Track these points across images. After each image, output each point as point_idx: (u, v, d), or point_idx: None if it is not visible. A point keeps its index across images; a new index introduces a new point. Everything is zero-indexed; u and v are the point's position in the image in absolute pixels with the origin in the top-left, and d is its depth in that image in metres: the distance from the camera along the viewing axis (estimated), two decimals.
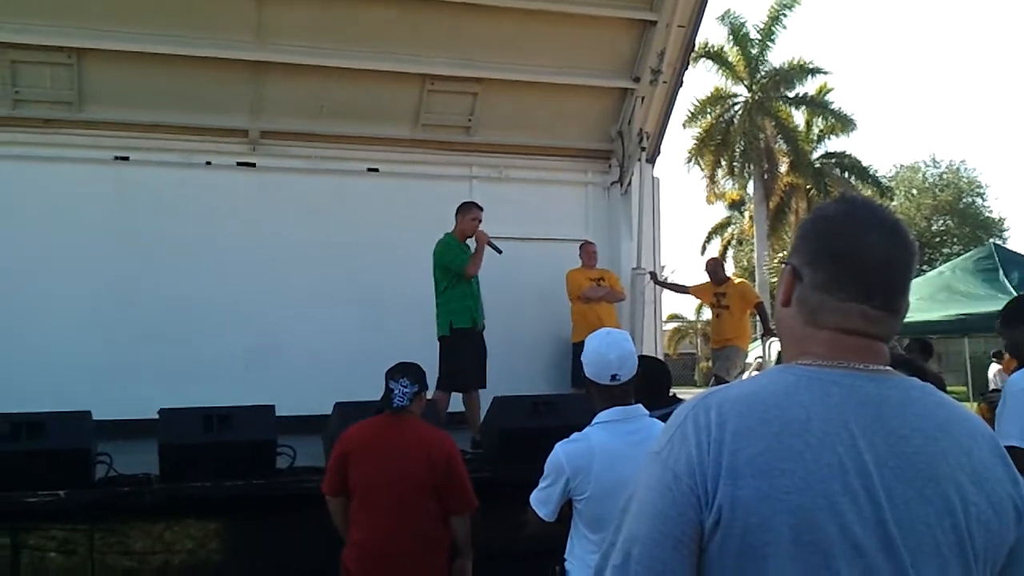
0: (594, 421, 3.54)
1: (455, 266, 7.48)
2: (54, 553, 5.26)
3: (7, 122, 8.70)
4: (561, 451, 3.51)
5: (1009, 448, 3.84)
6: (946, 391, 1.68)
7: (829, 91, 32.30)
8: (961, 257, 17.75)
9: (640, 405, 3.56)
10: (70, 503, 5.25)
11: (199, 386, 7.59)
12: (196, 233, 8.94)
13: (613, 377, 3.46)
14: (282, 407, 5.91)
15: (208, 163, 9.23)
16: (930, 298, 13.87)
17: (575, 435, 3.55)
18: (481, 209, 7.71)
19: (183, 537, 5.50)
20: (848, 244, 1.54)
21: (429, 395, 5.06)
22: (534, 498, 3.57)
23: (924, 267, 31.78)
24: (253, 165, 9.37)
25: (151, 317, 8.63)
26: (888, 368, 1.53)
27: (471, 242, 7.67)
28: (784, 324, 1.63)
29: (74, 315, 8.53)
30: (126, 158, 9.01)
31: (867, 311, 1.51)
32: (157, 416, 5.59)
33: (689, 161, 32.43)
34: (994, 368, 16.59)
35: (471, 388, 7.31)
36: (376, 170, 9.67)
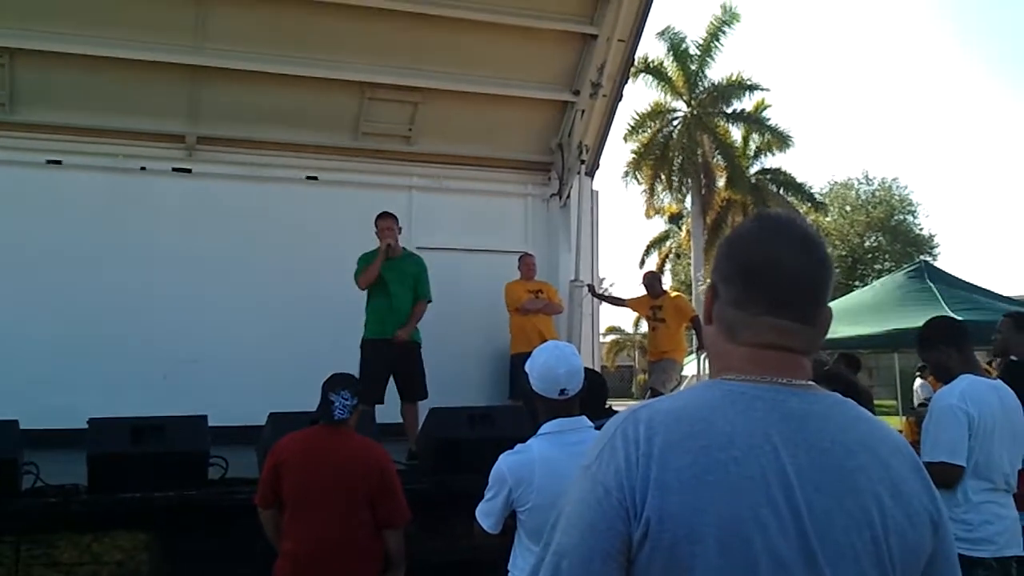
0: (538, 432, 3.55)
1: (356, 276, 7.53)
2: None
3: None
4: (503, 463, 3.52)
5: (939, 464, 3.96)
6: (875, 405, 1.71)
7: (766, 107, 32.85)
8: (892, 273, 18.10)
9: (584, 417, 3.58)
10: None
11: (129, 396, 7.42)
12: (130, 239, 8.80)
13: (562, 392, 3.48)
14: (215, 417, 5.83)
15: (143, 168, 9.07)
16: (861, 313, 14.11)
17: (518, 446, 3.56)
18: (389, 218, 7.61)
19: (112, 548, 5.38)
20: (758, 259, 1.56)
21: None
22: (479, 510, 3.57)
23: (856, 283, 32.48)
24: (189, 171, 9.25)
25: (81, 324, 8.45)
26: (810, 383, 1.55)
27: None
28: (708, 341, 1.66)
29: (1, 321, 8.31)
30: (58, 162, 8.83)
31: (779, 324, 1.53)
32: (86, 426, 5.46)
33: (627, 175, 32.71)
34: (919, 382, 16.97)
35: (366, 402, 7.19)
36: (315, 178, 9.60)
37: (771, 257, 1.55)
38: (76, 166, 8.87)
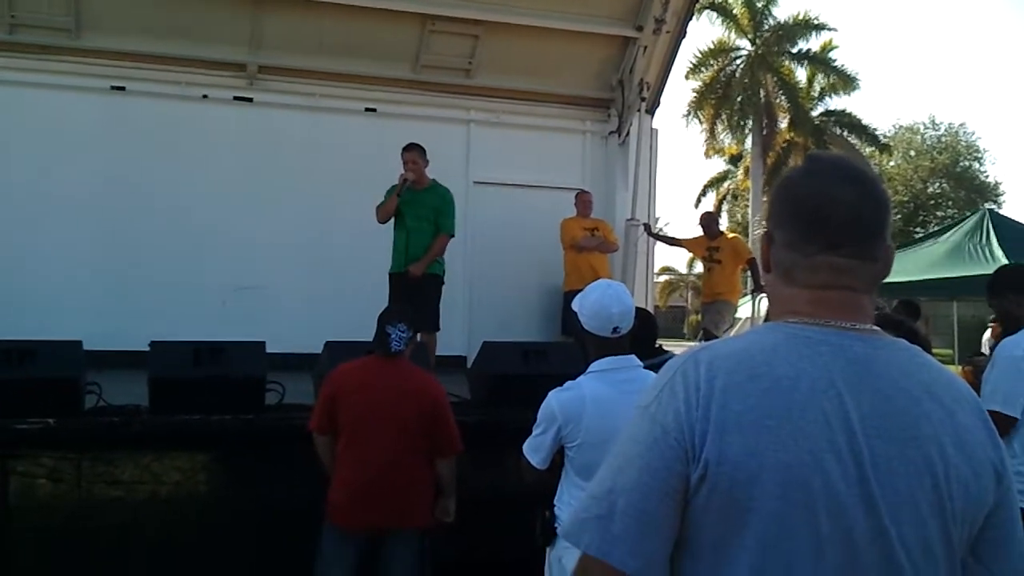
0: (588, 370, 3.56)
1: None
2: (43, 480, 5.29)
3: (3, 47, 8.59)
4: (553, 399, 3.54)
5: (992, 413, 3.91)
6: (932, 354, 1.68)
7: (833, 48, 32.12)
8: (955, 221, 17.75)
9: (634, 356, 3.58)
10: (59, 431, 5.26)
11: (189, 321, 7.61)
12: (190, 166, 8.90)
13: (614, 330, 3.48)
14: (272, 344, 5.91)
15: (205, 96, 9.13)
16: (921, 260, 13.89)
17: (567, 383, 3.57)
18: (412, 150, 7.49)
19: (170, 469, 5.53)
20: (810, 199, 1.55)
21: None
22: (527, 446, 3.60)
23: (917, 230, 31.90)
24: (250, 100, 9.28)
25: (144, 249, 8.62)
26: (876, 328, 1.53)
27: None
28: (768, 288, 1.66)
29: (67, 245, 8.50)
30: (122, 88, 8.91)
31: (835, 261, 1.52)
32: (148, 348, 5.58)
33: (688, 114, 32.27)
34: (987, 334, 16.69)
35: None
36: (374, 110, 9.59)
37: (822, 195, 1.54)
38: (139, 92, 8.93)
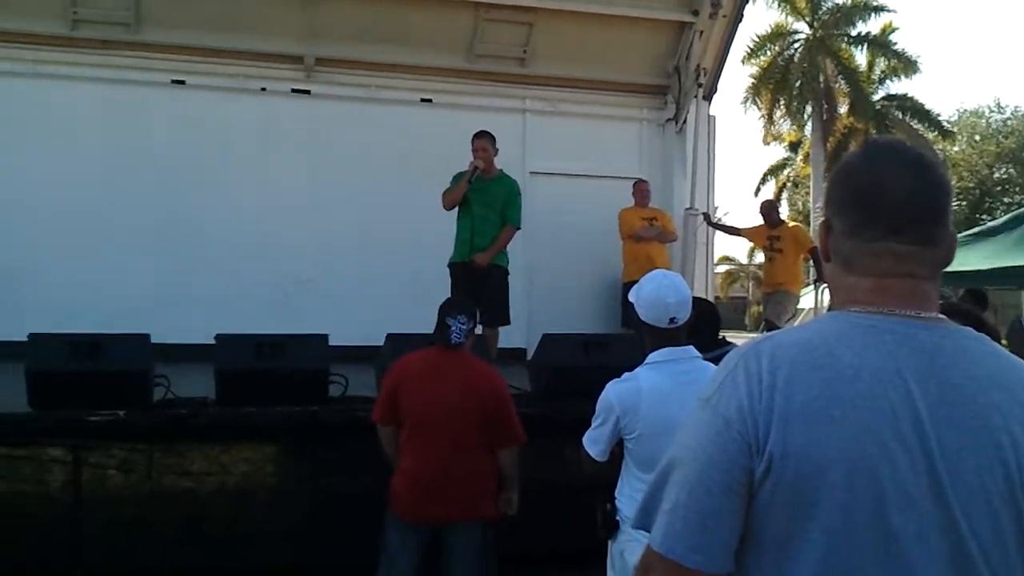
0: (645, 361, 3.55)
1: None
2: (114, 471, 5.40)
3: (65, 42, 8.79)
4: (611, 391, 3.53)
5: None
6: (1000, 343, 1.65)
7: (893, 31, 31.50)
8: (1021, 208, 17.34)
9: (692, 347, 3.56)
10: (129, 423, 5.38)
11: (253, 313, 7.73)
12: (250, 158, 9.03)
13: (671, 320, 3.46)
14: (335, 336, 5.98)
15: (263, 89, 9.25)
16: (987, 247, 13.59)
17: (625, 375, 3.56)
18: (483, 138, 7.39)
19: (238, 460, 5.61)
20: (868, 184, 1.53)
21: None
22: (586, 438, 3.60)
23: (984, 216, 31.21)
24: (308, 92, 9.38)
25: (206, 243, 8.77)
26: (941, 316, 1.51)
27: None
28: (828, 277, 1.63)
29: (132, 237, 8.67)
30: (182, 82, 9.05)
31: (896, 248, 1.49)
32: (214, 341, 5.67)
33: (746, 100, 31.90)
34: None
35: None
36: (429, 100, 9.63)
37: (881, 180, 1.52)
38: (199, 86, 9.09)
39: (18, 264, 8.28)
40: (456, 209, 7.40)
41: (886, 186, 1.51)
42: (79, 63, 8.81)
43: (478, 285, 7.02)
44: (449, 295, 4.83)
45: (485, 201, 7.34)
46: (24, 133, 8.62)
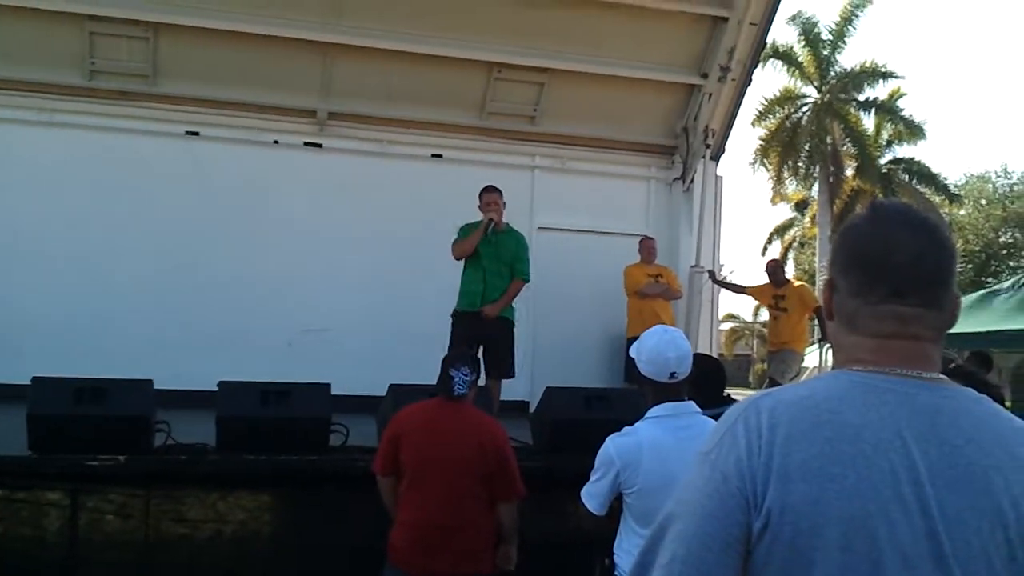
0: (646, 416, 3.55)
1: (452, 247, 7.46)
2: (111, 516, 5.37)
3: (83, 93, 8.91)
4: (611, 445, 3.53)
5: None
6: (1005, 406, 1.65)
7: (901, 96, 31.72)
8: None
9: (692, 402, 3.56)
10: (129, 468, 5.36)
11: (256, 361, 7.71)
12: (261, 210, 9.10)
13: (671, 375, 3.46)
14: (337, 386, 5.98)
15: (276, 142, 9.36)
16: (993, 310, 13.60)
17: (626, 429, 3.56)
18: (495, 192, 7.47)
19: (236, 508, 5.59)
20: (874, 245, 1.53)
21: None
22: (584, 492, 3.59)
23: (989, 280, 31.17)
24: (320, 146, 9.48)
25: (213, 291, 8.80)
26: (942, 377, 1.50)
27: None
28: (831, 335, 1.63)
29: (139, 285, 8.72)
30: (196, 133, 9.16)
31: (901, 310, 1.49)
32: (216, 388, 5.67)
33: (754, 161, 32.06)
34: None
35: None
36: (440, 156, 9.72)
37: (888, 242, 1.52)
38: (213, 138, 9.20)
39: (24, 308, 8.34)
40: (462, 260, 7.46)
41: (892, 248, 1.51)
42: (95, 113, 8.93)
43: (483, 335, 7.07)
44: (453, 348, 4.83)
45: (496, 254, 7.40)
46: (38, 180, 8.71)
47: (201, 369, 7.03)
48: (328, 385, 5.85)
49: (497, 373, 7.10)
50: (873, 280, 1.51)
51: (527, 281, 7.56)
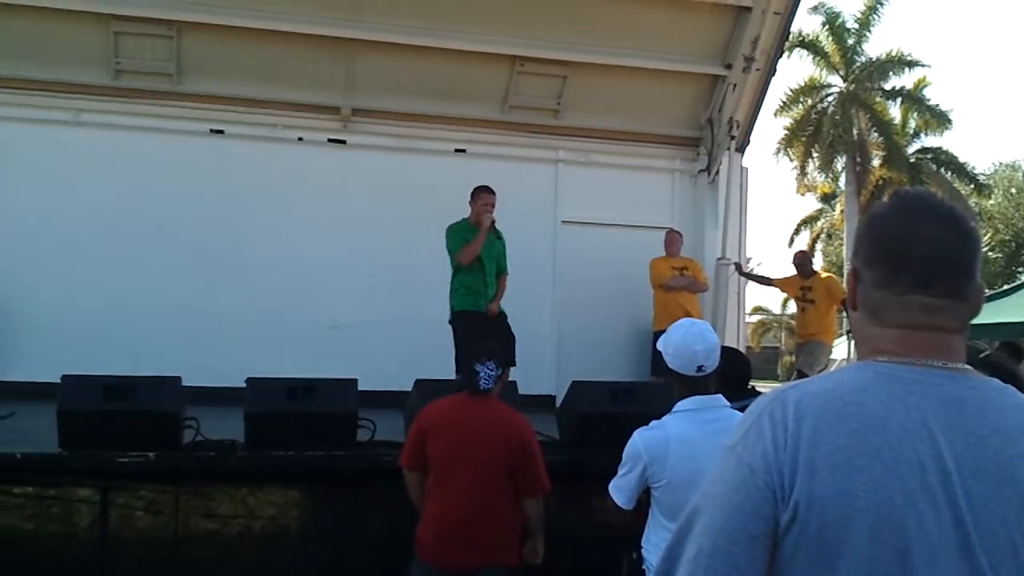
0: (673, 409, 3.54)
1: (453, 250, 7.54)
2: (141, 512, 5.43)
3: (107, 92, 8.98)
4: (639, 439, 3.52)
5: None
6: None
7: (926, 85, 31.43)
8: None
9: (720, 395, 3.55)
10: (158, 465, 5.42)
11: (283, 357, 7.76)
12: (286, 207, 9.14)
13: (699, 368, 3.45)
14: (363, 381, 6.00)
15: (300, 139, 9.39)
16: (1023, 301, 13.47)
17: (653, 423, 3.56)
18: (492, 194, 7.60)
19: (265, 503, 5.63)
20: (900, 237, 1.52)
21: None
22: (612, 486, 3.58)
23: (1020, 269, 30.86)
24: (344, 142, 9.50)
25: (240, 288, 8.86)
26: (967, 367, 1.50)
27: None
28: (854, 326, 1.62)
29: (166, 283, 8.78)
30: (221, 131, 9.21)
31: (927, 301, 1.49)
32: (244, 384, 5.71)
33: (779, 152, 31.87)
34: None
35: None
36: (463, 151, 9.72)
37: (914, 232, 1.51)
38: (237, 135, 9.25)
39: (53, 306, 8.45)
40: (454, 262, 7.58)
41: (918, 239, 1.50)
42: (121, 112, 8.99)
43: (492, 331, 7.26)
44: (479, 343, 4.84)
45: (489, 254, 7.63)
46: (64, 180, 8.79)
47: (229, 366, 7.07)
48: (355, 381, 5.88)
49: (509, 364, 7.25)
50: (899, 271, 1.51)
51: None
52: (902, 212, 1.55)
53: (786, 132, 31.50)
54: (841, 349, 14.81)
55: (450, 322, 7.52)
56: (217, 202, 9.00)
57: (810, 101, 31.68)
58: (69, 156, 8.84)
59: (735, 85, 9.83)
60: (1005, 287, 14.17)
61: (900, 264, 1.51)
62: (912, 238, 1.51)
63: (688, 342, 3.48)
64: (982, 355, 3.23)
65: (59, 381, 5.45)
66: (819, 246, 37.75)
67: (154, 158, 8.98)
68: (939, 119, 31.38)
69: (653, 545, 3.46)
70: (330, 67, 9.24)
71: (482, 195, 7.61)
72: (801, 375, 9.54)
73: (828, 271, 14.87)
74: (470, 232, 7.56)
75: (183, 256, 8.88)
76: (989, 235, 33.07)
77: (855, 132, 30.80)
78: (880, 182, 31.06)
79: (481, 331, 7.23)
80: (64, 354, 7.43)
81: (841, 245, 34.06)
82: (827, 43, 31.27)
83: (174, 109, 9.11)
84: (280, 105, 9.28)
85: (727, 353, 3.72)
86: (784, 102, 31.38)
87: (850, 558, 1.36)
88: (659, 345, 3.61)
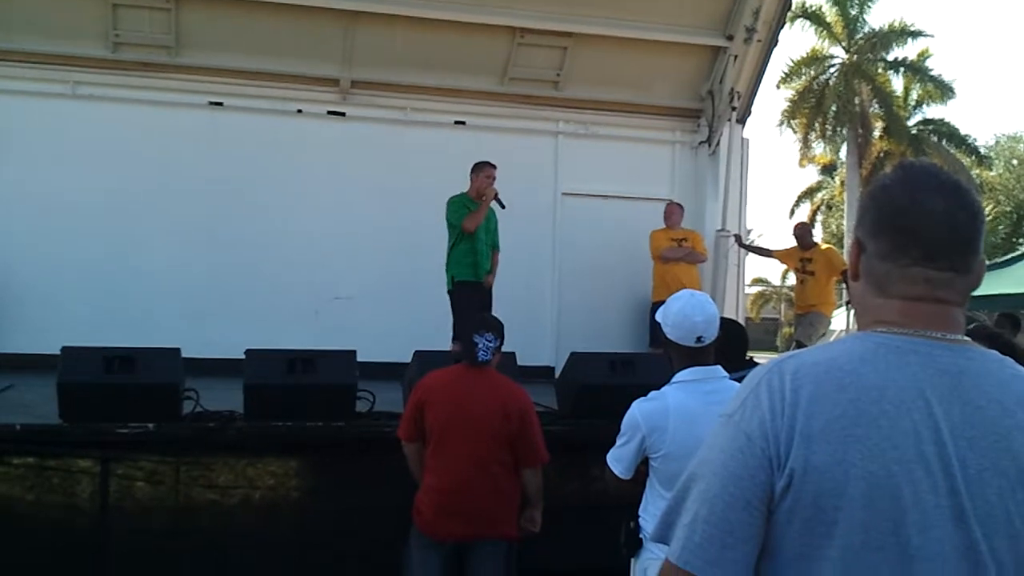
0: (672, 380, 3.54)
1: (455, 221, 7.56)
2: (141, 483, 5.45)
3: (107, 65, 8.93)
4: (637, 409, 3.52)
5: None
6: None
7: (929, 56, 31.25)
8: None
9: (719, 366, 3.55)
10: (158, 436, 5.44)
11: (283, 329, 7.79)
12: (285, 180, 9.11)
13: (698, 339, 3.45)
14: (363, 352, 6.01)
15: (299, 111, 9.36)
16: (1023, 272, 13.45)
17: (652, 393, 3.56)
18: (494, 167, 7.67)
19: (264, 474, 5.65)
20: (906, 209, 1.52)
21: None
22: (610, 456, 3.59)
23: (1021, 240, 30.80)
24: (343, 114, 9.47)
25: (239, 260, 8.87)
26: (966, 338, 1.50)
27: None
28: (855, 296, 1.62)
29: (165, 255, 8.79)
30: (220, 104, 9.17)
31: (931, 274, 1.49)
32: (243, 356, 5.72)
33: (781, 123, 31.73)
34: None
35: None
36: (463, 123, 9.68)
37: (919, 206, 1.50)
38: (236, 108, 9.21)
39: (52, 278, 8.46)
40: (456, 232, 7.62)
41: (924, 212, 1.50)
42: (119, 85, 8.95)
43: (487, 302, 7.44)
44: (477, 315, 4.86)
45: (487, 227, 7.73)
46: (63, 152, 8.77)
47: (229, 337, 7.09)
48: (354, 352, 5.88)
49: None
50: (904, 244, 1.51)
51: None
52: (908, 184, 1.54)
53: (788, 103, 31.36)
54: (840, 320, 14.80)
55: (449, 291, 7.56)
56: (216, 174, 8.97)
57: (812, 72, 31.50)
58: (67, 129, 8.81)
59: (736, 56, 9.77)
60: (1005, 257, 14.13)
61: (906, 237, 1.51)
62: (919, 211, 1.50)
63: (687, 313, 3.48)
64: (975, 325, 3.24)
65: (59, 353, 5.45)
66: (820, 217, 37.67)
67: (153, 131, 8.95)
68: (941, 89, 31.22)
69: (651, 515, 3.47)
70: (329, 39, 9.18)
71: (485, 168, 7.68)
72: (800, 346, 9.54)
73: (828, 243, 14.85)
74: (472, 204, 7.59)
75: (182, 228, 8.87)
76: (990, 207, 32.95)
77: (857, 103, 30.65)
78: (881, 154, 30.95)
79: (480, 301, 7.33)
80: (64, 326, 7.46)
81: (841, 217, 33.97)
82: (830, 13, 31.07)
83: (173, 82, 9.07)
84: (279, 77, 9.23)
85: (724, 324, 3.72)
86: (786, 73, 31.21)
87: (845, 525, 1.37)
88: (658, 316, 3.60)
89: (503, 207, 7.68)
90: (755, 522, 1.43)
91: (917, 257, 1.49)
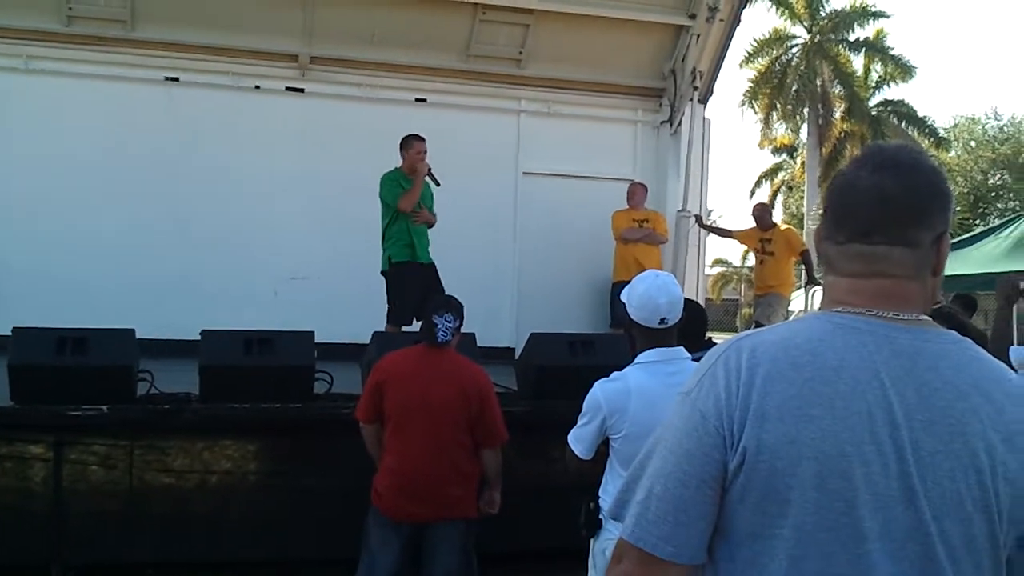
0: (635, 361, 3.54)
1: (391, 200, 7.40)
2: (95, 467, 5.37)
3: (60, 39, 8.76)
4: (599, 390, 3.52)
5: None
6: (987, 348, 1.64)
7: (886, 36, 31.49)
8: (1016, 213, 17.35)
9: (682, 348, 3.55)
10: (112, 418, 5.35)
11: (241, 310, 7.69)
12: (242, 157, 8.99)
13: (662, 321, 3.45)
14: (321, 333, 5.95)
15: (257, 87, 9.24)
16: (980, 253, 13.59)
17: (614, 374, 3.56)
18: (424, 141, 7.48)
19: (220, 457, 5.60)
20: (843, 189, 1.55)
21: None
22: (571, 436, 3.59)
23: (977, 222, 31.24)
24: (302, 91, 9.35)
25: (195, 238, 8.75)
26: (925, 319, 1.51)
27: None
28: (822, 277, 1.64)
29: (120, 233, 8.64)
30: (176, 79, 9.03)
31: (865, 250, 1.50)
32: (199, 337, 5.64)
33: (743, 104, 31.88)
34: None
35: (399, 325, 7.08)
36: (424, 100, 9.60)
37: (854, 184, 1.53)
38: (193, 83, 9.07)
39: (2, 257, 8.27)
40: (391, 211, 7.43)
41: (858, 188, 1.52)
42: (73, 59, 8.77)
43: (429, 282, 7.21)
44: (438, 295, 4.82)
45: (424, 203, 7.52)
46: (15, 128, 8.61)
47: (184, 318, 7.01)
48: (312, 333, 5.83)
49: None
50: (840, 221, 1.54)
51: None
52: (853, 164, 1.57)
53: (750, 84, 31.51)
54: (799, 301, 14.90)
55: (383, 273, 7.40)
56: (171, 152, 8.85)
57: (775, 52, 31.67)
58: (18, 104, 8.65)
59: (699, 35, 9.76)
60: (960, 237, 14.26)
61: (841, 215, 1.54)
62: (853, 189, 1.53)
63: (652, 294, 3.47)
64: (938, 308, 3.25)
65: (10, 334, 5.35)
66: (780, 198, 37.98)
67: (107, 107, 8.80)
68: (903, 69, 31.49)
69: (610, 495, 3.47)
70: (288, 14, 9.06)
71: (414, 143, 7.48)
72: (759, 327, 9.59)
73: (789, 223, 14.95)
74: (405, 181, 7.43)
75: (137, 207, 8.72)
76: None
77: (818, 84, 30.86)
78: (842, 135, 31.22)
79: (421, 282, 7.19)
80: (14, 306, 7.30)
81: (802, 198, 34.25)
82: None
83: (128, 56, 8.90)
84: (237, 53, 9.08)
85: (685, 304, 3.71)
86: (749, 53, 31.37)
87: (798, 505, 1.39)
88: (623, 296, 3.60)
89: (438, 184, 7.49)
90: (709, 500, 1.44)
91: (852, 234, 1.51)
